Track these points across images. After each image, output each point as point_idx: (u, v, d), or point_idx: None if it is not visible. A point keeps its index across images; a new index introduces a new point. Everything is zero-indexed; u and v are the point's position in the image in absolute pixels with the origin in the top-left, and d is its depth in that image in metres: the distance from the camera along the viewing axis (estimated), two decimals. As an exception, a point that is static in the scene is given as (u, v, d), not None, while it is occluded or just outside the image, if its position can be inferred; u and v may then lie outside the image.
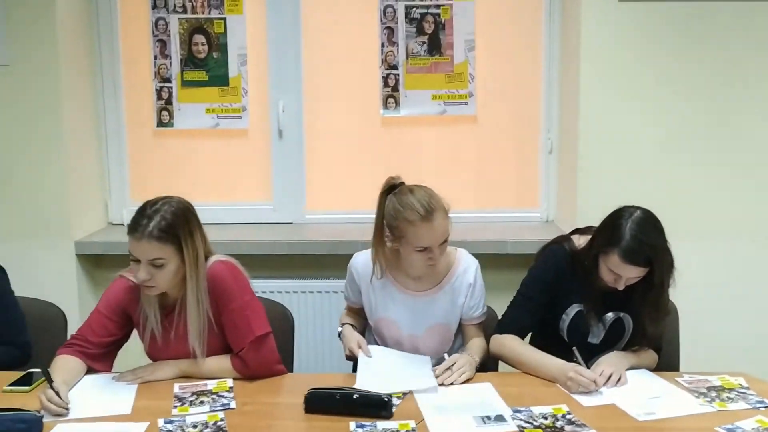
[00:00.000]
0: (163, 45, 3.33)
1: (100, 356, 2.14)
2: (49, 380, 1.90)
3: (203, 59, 3.33)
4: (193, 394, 1.99)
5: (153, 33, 3.32)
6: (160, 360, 2.15)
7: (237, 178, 3.44)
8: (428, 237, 2.11)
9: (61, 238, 3.13)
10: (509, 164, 3.41)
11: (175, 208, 2.02)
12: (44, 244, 3.11)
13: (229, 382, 2.06)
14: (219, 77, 3.34)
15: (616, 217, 2.06)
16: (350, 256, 3.12)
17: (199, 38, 3.32)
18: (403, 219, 2.11)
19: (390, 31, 3.30)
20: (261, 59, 3.34)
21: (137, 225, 1.99)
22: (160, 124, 3.38)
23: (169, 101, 3.36)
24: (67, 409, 1.87)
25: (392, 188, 2.19)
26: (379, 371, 2.09)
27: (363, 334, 2.36)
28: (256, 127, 3.39)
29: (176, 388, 2.03)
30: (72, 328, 2.53)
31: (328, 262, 3.21)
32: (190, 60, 3.34)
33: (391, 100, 3.34)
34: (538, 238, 3.15)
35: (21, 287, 2.43)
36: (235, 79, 3.34)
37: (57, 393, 1.87)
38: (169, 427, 1.81)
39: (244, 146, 3.42)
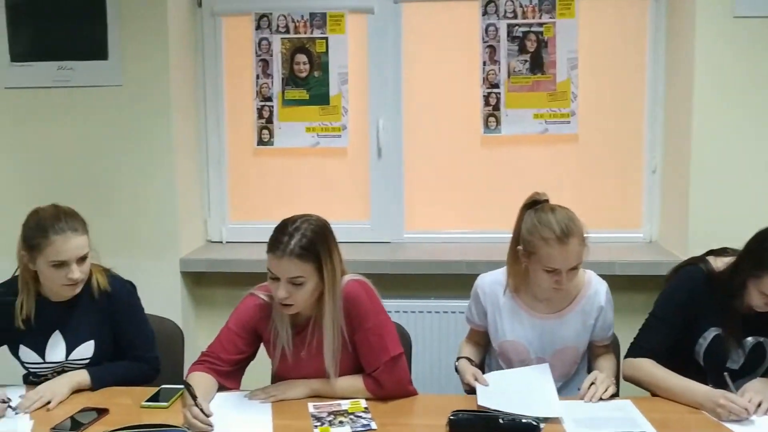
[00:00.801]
0: (265, 64, 3.36)
1: (230, 374, 2.14)
2: (193, 397, 1.91)
3: (304, 78, 3.36)
4: (329, 414, 1.98)
5: (256, 53, 3.36)
6: (288, 379, 2.14)
7: (335, 196, 3.45)
8: (560, 259, 2.07)
9: (167, 255, 3.17)
10: (611, 184, 3.35)
11: (314, 226, 2.02)
12: (151, 261, 3.14)
13: (363, 403, 2.04)
14: (320, 96, 3.36)
15: (764, 240, 2.00)
16: (452, 276, 3.14)
17: (301, 57, 3.35)
18: (538, 236, 2.08)
19: (492, 50, 3.29)
20: (361, 78, 3.35)
21: (278, 243, 1.99)
22: (261, 142, 3.42)
23: (270, 120, 3.40)
24: (212, 426, 1.87)
25: (534, 203, 2.16)
26: (499, 399, 2.01)
27: (482, 363, 2.33)
28: (355, 146, 3.40)
29: (311, 407, 2.02)
30: (186, 345, 2.57)
31: (428, 282, 3.19)
32: (291, 79, 3.37)
33: (492, 119, 3.32)
34: (645, 260, 3.10)
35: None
36: (335, 98, 3.36)
37: (201, 410, 1.88)
38: (315, 446, 1.79)
39: (342, 165, 3.43)
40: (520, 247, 2.15)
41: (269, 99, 3.39)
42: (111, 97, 3.11)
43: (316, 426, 1.90)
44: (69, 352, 2.18)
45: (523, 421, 1.82)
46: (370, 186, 3.41)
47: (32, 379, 2.22)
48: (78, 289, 2.14)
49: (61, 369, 2.20)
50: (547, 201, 2.18)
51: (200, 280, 3.34)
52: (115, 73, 3.10)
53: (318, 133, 3.39)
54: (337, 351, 2.06)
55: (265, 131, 3.41)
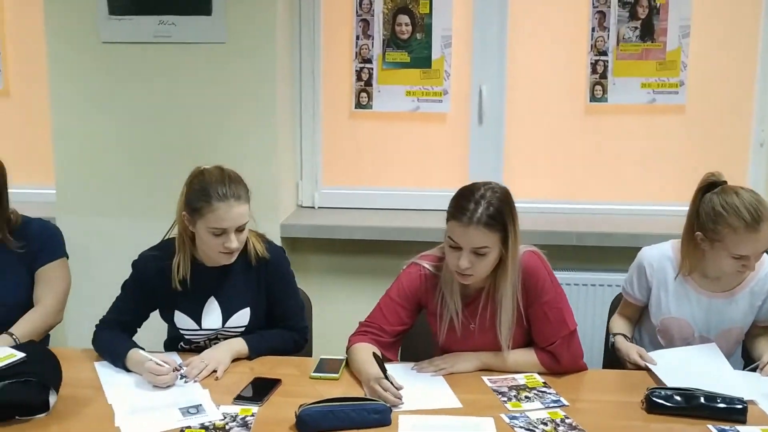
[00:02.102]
0: (365, 25, 3.24)
1: (391, 345, 2.08)
2: (383, 370, 1.84)
3: (406, 40, 3.25)
4: (510, 388, 1.92)
5: (357, 12, 3.24)
6: (454, 351, 2.08)
7: (432, 163, 3.36)
8: (750, 246, 2.00)
9: (268, 220, 3.05)
10: (716, 157, 3.29)
11: (500, 194, 1.95)
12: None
13: (539, 377, 1.99)
14: (421, 59, 3.25)
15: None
16: (557, 247, 3.07)
17: (404, 18, 3.23)
18: (724, 223, 2.00)
19: (601, 16, 3.19)
20: (465, 42, 3.24)
21: (464, 210, 1.91)
22: (359, 105, 3.31)
23: (368, 83, 3.29)
24: (402, 399, 1.81)
25: (712, 186, 2.08)
26: (683, 378, 1.93)
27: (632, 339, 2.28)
28: (455, 112, 3.30)
29: (486, 381, 1.96)
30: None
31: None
32: (392, 41, 3.25)
33: (598, 87, 3.23)
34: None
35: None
36: (437, 62, 3.25)
37: (392, 383, 1.81)
38: (517, 422, 1.74)
39: (441, 131, 3.34)
40: (698, 233, 2.07)
41: (369, 61, 3.27)
42: (214, 54, 2.98)
43: (505, 401, 1.85)
44: (225, 319, 2.10)
45: (728, 398, 1.77)
46: (470, 153, 3.32)
47: (183, 347, 2.14)
48: (233, 258, 2.06)
49: (214, 336, 2.12)
50: (725, 182, 2.10)
51: (295, 246, 3.25)
52: (219, 29, 2.96)
53: (418, 97, 3.28)
54: (513, 323, 2.00)
55: (364, 94, 3.30)
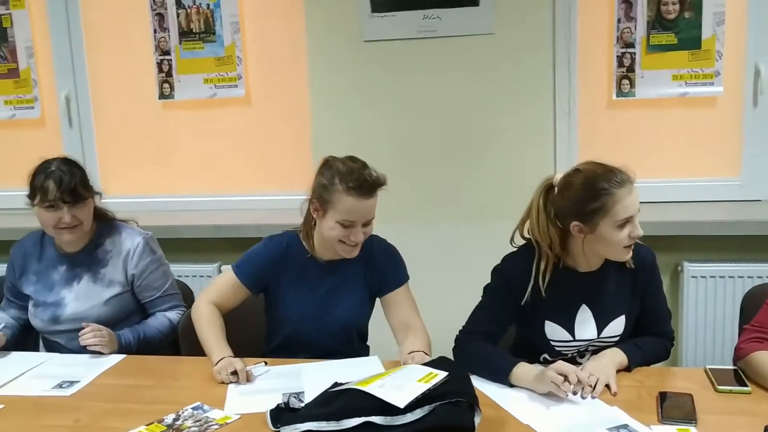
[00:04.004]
0: (628, 6, 3.04)
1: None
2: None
3: (673, 20, 3.02)
4: None
5: (618, -7, 3.04)
6: None
7: (699, 151, 3.13)
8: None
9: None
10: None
11: None
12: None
13: None
14: (690, 40, 3.02)
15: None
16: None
17: (670, -4, 3.01)
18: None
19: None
20: (738, 18, 2.99)
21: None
22: (620, 93, 3.11)
23: (631, 68, 3.08)
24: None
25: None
26: None
27: None
28: (726, 95, 3.05)
29: None
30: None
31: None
32: (657, 22, 3.03)
33: None
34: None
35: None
36: (708, 41, 3.00)
37: None
38: None
39: (710, 116, 3.10)
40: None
41: (631, 45, 3.07)
42: (481, 46, 2.85)
43: None
44: (600, 329, 1.95)
45: None
46: (743, 139, 3.07)
47: (548, 359, 1.99)
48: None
49: (585, 348, 1.97)
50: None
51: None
52: (487, 20, 2.83)
53: (686, 81, 3.05)
54: None
55: (625, 81, 3.10)
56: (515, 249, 2.00)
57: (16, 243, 2.42)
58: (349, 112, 2.99)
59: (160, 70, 3.41)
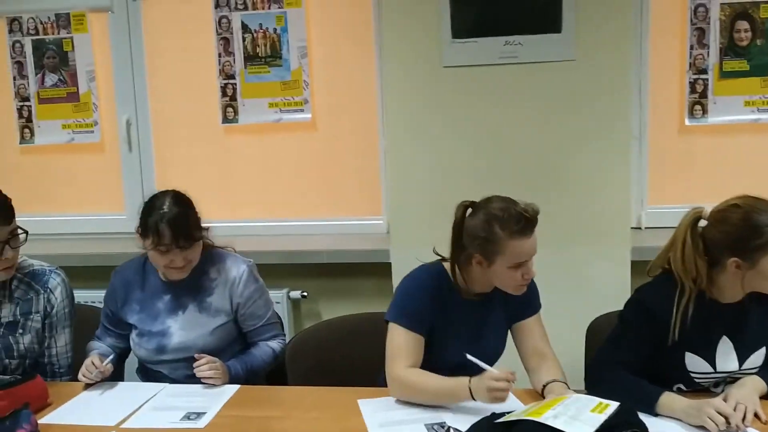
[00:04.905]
0: (701, 33, 3.07)
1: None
2: None
3: (745, 47, 3.06)
4: None
5: (691, 21, 3.07)
6: None
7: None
8: None
9: (618, 244, 2.93)
10: None
11: None
12: (602, 251, 2.91)
13: None
14: (762, 66, 3.05)
15: None
16: None
17: (743, 24, 3.05)
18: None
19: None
20: (809, 46, 3.03)
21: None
22: (692, 117, 3.13)
23: (703, 94, 3.11)
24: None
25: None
26: None
27: None
28: (799, 120, 3.09)
29: None
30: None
31: None
32: (730, 48, 3.07)
33: None
34: None
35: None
36: (780, 68, 3.05)
37: None
38: None
39: (780, 142, 3.13)
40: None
41: (703, 71, 3.10)
42: (562, 72, 2.86)
43: None
44: (742, 361, 1.93)
45: None
46: (813, 164, 3.10)
47: (683, 389, 1.96)
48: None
49: (723, 380, 1.96)
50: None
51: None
52: (569, 46, 2.84)
53: (758, 107, 3.08)
54: None
55: (698, 106, 3.12)
56: (650, 280, 1.99)
57: (117, 270, 2.37)
58: (427, 139, 2.97)
59: (224, 94, 3.39)
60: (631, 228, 3.19)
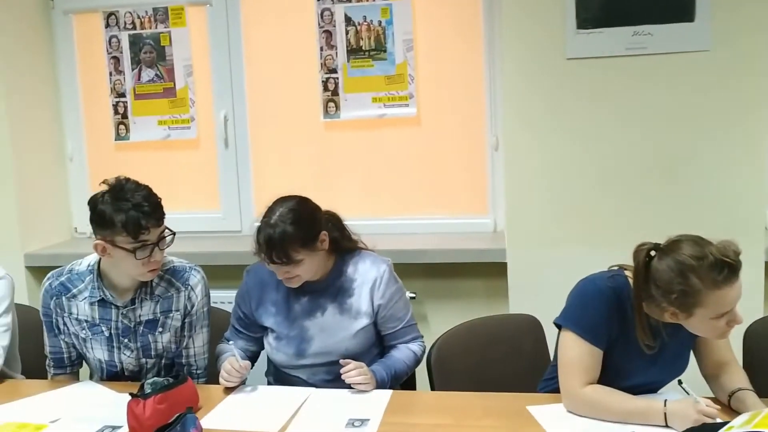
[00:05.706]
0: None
1: None
2: None
3: None
4: None
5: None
6: None
7: None
8: None
9: (752, 245, 2.76)
10: None
11: None
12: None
13: None
14: None
15: None
16: None
17: None
18: None
19: None
20: None
21: None
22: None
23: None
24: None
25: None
26: None
27: None
28: None
29: None
30: None
31: None
32: None
33: None
34: None
35: None
36: None
37: None
38: None
39: None
40: None
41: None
42: (695, 63, 2.71)
43: None
44: None
45: None
46: None
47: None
48: None
49: None
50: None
51: None
52: (703, 36, 2.70)
53: None
54: None
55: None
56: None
57: (249, 269, 2.28)
58: (546, 134, 2.84)
59: (326, 89, 3.29)
60: (766, 228, 3.06)
